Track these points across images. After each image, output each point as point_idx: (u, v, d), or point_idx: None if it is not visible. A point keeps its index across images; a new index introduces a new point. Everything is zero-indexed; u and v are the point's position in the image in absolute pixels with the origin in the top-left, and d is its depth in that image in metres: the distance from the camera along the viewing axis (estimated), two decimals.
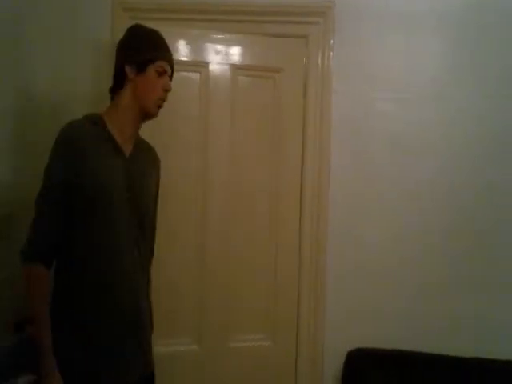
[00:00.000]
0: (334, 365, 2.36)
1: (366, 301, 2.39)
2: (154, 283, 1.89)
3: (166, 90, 1.76)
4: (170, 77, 1.80)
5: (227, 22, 2.32)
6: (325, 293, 2.38)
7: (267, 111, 2.38)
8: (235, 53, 2.34)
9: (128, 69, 1.72)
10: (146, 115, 1.77)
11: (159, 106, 1.77)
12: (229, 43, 2.32)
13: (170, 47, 1.81)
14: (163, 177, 1.93)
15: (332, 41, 2.37)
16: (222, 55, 2.32)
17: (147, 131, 1.89)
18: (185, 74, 2.25)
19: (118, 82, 1.75)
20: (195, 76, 2.30)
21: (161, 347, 2.07)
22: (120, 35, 1.81)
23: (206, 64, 2.31)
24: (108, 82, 1.79)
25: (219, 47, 2.32)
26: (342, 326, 2.37)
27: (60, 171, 1.62)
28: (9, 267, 2.06)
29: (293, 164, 2.40)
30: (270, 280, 2.39)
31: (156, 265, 1.92)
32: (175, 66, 1.84)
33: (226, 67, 2.32)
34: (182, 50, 2.28)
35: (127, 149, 1.74)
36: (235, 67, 2.33)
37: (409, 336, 2.35)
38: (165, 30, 1.83)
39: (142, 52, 1.73)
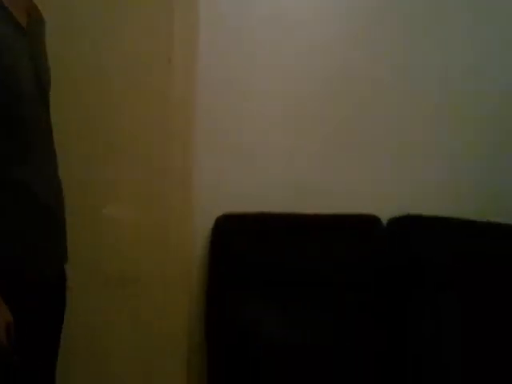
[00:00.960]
0: (204, 233, 2.32)
1: (235, 168, 2.36)
2: None
3: None
4: None
5: None
6: (194, 161, 2.29)
7: None
8: None
9: None
10: None
11: None
12: None
13: None
14: None
15: None
16: None
17: None
18: None
19: None
20: None
21: None
22: None
23: None
24: None
25: None
26: (211, 194, 2.32)
27: None
28: None
29: None
30: (137, 144, 2.23)
31: None
32: None
33: None
34: None
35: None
36: None
37: (277, 199, 2.38)
38: None
39: None
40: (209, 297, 2.27)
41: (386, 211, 2.42)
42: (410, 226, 2.35)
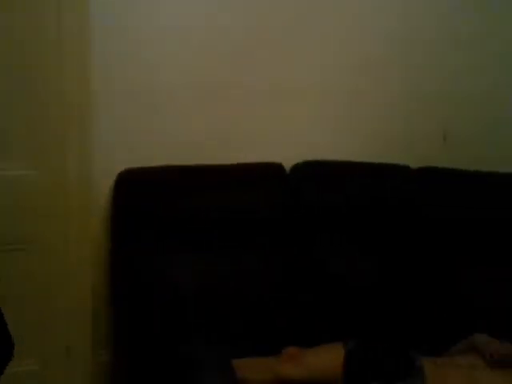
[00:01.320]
0: (105, 190, 2.28)
1: (136, 121, 2.30)
2: None
3: None
4: None
5: None
6: (91, 115, 2.20)
7: None
8: None
9: None
10: None
11: None
12: None
13: None
14: None
15: None
16: None
17: None
18: None
19: None
20: None
21: None
22: None
23: None
24: None
25: None
26: (111, 150, 2.27)
27: None
28: None
29: None
30: (28, 100, 2.11)
31: None
32: None
33: None
34: None
35: None
36: None
37: (176, 152, 2.34)
38: None
39: None
40: (113, 251, 2.25)
41: (292, 159, 2.44)
42: (309, 172, 2.39)
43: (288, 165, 2.42)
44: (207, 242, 2.23)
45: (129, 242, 2.19)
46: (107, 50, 2.20)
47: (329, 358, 1.97)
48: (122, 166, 2.25)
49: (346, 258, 2.33)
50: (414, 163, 2.51)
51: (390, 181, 2.42)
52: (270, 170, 2.39)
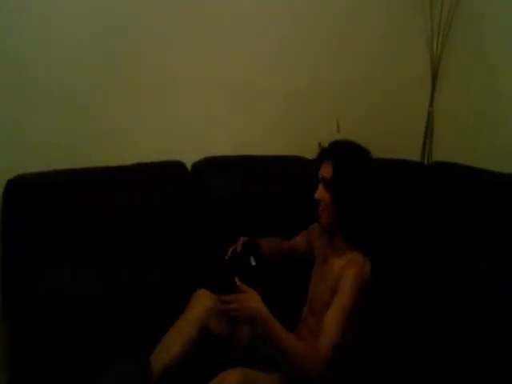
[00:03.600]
0: None
1: (23, 127, 2.19)
2: None
3: None
4: None
5: None
6: None
7: None
8: None
9: None
10: None
11: None
12: None
13: None
14: None
15: None
16: None
17: None
18: None
19: None
20: None
21: None
22: None
23: None
24: None
25: None
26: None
27: None
28: None
29: None
30: None
31: None
32: None
33: None
34: None
35: None
36: None
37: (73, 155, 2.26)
38: None
39: None
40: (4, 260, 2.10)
41: (193, 157, 2.41)
42: (208, 169, 2.38)
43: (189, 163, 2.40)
44: (105, 246, 2.15)
45: (18, 250, 2.06)
46: None
47: None
48: (10, 173, 2.10)
49: None
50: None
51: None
52: (172, 169, 2.35)
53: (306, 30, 2.65)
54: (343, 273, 1.89)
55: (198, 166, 2.39)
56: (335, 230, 2.01)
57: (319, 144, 2.08)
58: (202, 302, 1.99)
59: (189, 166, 2.39)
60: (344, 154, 1.98)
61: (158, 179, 2.31)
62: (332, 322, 1.80)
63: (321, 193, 1.96)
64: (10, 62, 2.13)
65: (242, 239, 2.07)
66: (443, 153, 2.75)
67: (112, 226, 2.19)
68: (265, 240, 2.15)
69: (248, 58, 2.57)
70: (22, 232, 2.08)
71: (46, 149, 2.23)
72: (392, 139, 2.78)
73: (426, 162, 2.83)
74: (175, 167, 2.36)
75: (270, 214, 2.39)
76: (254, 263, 2.01)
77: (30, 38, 2.13)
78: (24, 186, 2.13)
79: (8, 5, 2.08)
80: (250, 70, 2.57)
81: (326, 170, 1.96)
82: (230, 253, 2.04)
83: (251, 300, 1.78)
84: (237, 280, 1.80)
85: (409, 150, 2.74)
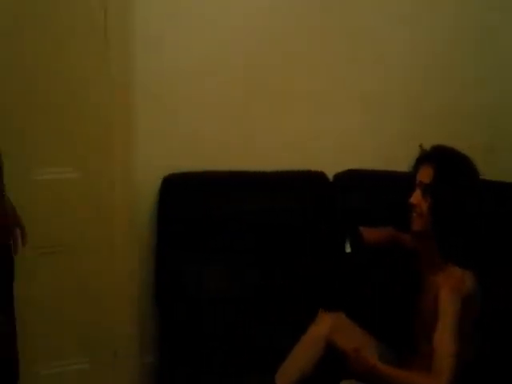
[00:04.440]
0: (150, 193, 2.30)
1: (179, 128, 2.33)
2: None
3: None
4: None
5: None
6: (137, 120, 2.24)
7: None
8: None
9: None
10: None
11: None
12: None
13: None
14: None
15: None
16: None
17: None
18: None
19: None
20: None
21: None
22: None
23: None
24: None
25: None
26: (156, 154, 2.28)
27: None
28: None
29: None
30: (75, 106, 2.14)
31: None
32: None
33: None
34: None
35: None
36: None
37: (218, 158, 2.37)
38: None
39: None
40: (158, 259, 2.26)
41: (333, 167, 2.43)
42: (352, 181, 2.39)
43: (331, 173, 2.42)
44: (243, 248, 2.24)
45: (171, 244, 2.21)
46: (149, 58, 2.22)
47: None
48: (164, 170, 2.27)
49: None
50: None
51: None
52: (313, 178, 2.39)
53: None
54: (441, 292, 1.80)
55: (340, 177, 2.41)
56: (428, 241, 1.90)
57: (420, 146, 1.95)
58: (326, 319, 1.99)
59: (331, 176, 2.42)
60: (448, 159, 1.86)
61: (300, 187, 2.36)
62: (442, 343, 1.72)
63: (417, 198, 1.85)
64: (182, 74, 2.29)
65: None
66: None
67: (250, 228, 2.27)
68: (370, 228, 2.12)
69: (397, 70, 2.56)
70: (171, 226, 2.24)
71: (199, 149, 2.36)
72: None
73: None
74: (317, 177, 2.40)
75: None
76: (348, 250, 2.00)
77: (196, 53, 2.30)
78: (176, 183, 2.28)
79: (180, 26, 2.26)
80: (395, 81, 2.55)
81: (425, 175, 1.84)
82: None
83: (360, 364, 1.78)
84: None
85: None
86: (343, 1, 2.45)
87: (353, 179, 2.42)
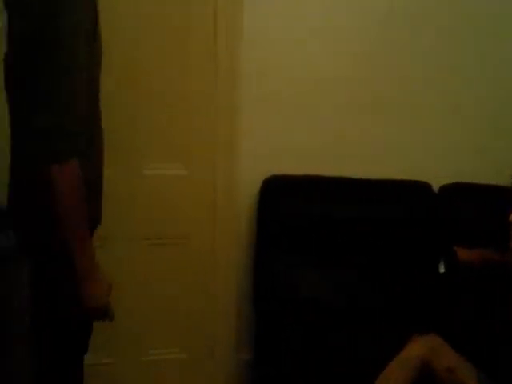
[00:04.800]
0: (250, 193, 2.33)
1: (281, 130, 2.34)
2: None
3: None
4: None
5: None
6: (240, 122, 2.28)
7: None
8: None
9: None
10: None
11: None
12: None
13: None
14: None
15: None
16: None
17: None
18: None
19: None
20: None
21: None
22: None
23: None
24: None
25: None
26: (257, 155, 2.32)
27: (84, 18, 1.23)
28: None
29: None
30: (185, 106, 2.24)
31: None
32: None
33: None
34: None
35: None
36: None
37: (318, 163, 2.37)
38: None
39: None
40: (257, 259, 2.29)
41: (438, 178, 2.36)
42: (456, 193, 2.31)
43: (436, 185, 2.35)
44: (342, 253, 2.22)
45: (270, 246, 2.23)
46: (254, 60, 2.25)
47: None
48: (265, 172, 2.29)
49: None
50: None
51: None
52: (419, 189, 2.33)
53: None
54: None
55: (446, 188, 2.33)
56: None
57: None
58: (422, 340, 1.92)
59: (436, 188, 2.35)
60: None
61: (403, 196, 2.31)
62: None
63: None
64: (286, 79, 2.30)
65: None
66: None
67: (350, 234, 2.25)
68: (465, 248, 2.07)
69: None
70: (270, 228, 2.25)
71: (300, 153, 2.37)
72: None
73: None
74: (423, 187, 2.33)
75: None
76: (442, 270, 1.97)
77: (303, 58, 2.31)
78: (277, 185, 2.30)
79: (285, 26, 2.28)
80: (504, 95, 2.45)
81: None
82: None
83: None
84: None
85: None
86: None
87: (459, 192, 2.33)
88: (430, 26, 2.37)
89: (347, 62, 2.34)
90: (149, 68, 2.17)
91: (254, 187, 2.31)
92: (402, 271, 2.24)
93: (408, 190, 2.32)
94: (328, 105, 2.36)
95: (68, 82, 1.20)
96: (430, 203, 2.30)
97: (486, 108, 2.46)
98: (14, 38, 1.29)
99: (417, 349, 1.88)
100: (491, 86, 2.45)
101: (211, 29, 2.19)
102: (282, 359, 1.88)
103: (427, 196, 2.32)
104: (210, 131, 2.26)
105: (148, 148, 2.22)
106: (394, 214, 2.27)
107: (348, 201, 2.28)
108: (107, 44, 1.43)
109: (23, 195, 1.36)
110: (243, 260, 2.35)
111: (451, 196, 2.32)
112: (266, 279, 2.14)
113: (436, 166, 2.43)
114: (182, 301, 2.34)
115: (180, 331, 2.36)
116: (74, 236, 1.27)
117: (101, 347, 1.95)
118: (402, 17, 2.34)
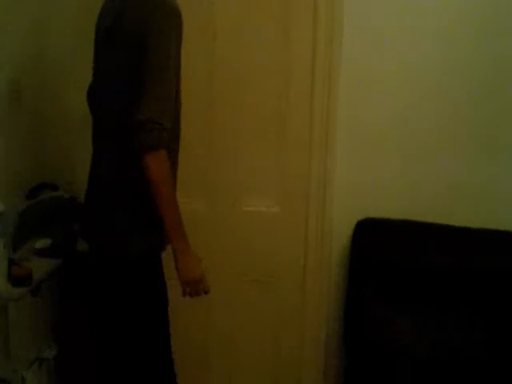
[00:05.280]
0: (343, 234, 2.32)
1: (376, 171, 2.31)
2: None
3: None
4: None
5: None
6: (335, 161, 2.30)
7: None
8: None
9: None
10: None
11: None
12: None
13: None
14: None
15: None
16: None
17: None
18: None
19: None
20: None
21: None
22: None
23: None
24: None
25: None
26: (351, 196, 2.32)
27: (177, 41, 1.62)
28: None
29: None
30: (281, 145, 2.31)
31: None
32: None
33: None
34: None
35: None
36: None
37: (416, 206, 2.29)
38: None
39: None
40: (348, 302, 2.26)
41: None
42: None
43: None
44: (436, 302, 2.15)
45: (362, 288, 2.20)
46: (352, 96, 2.25)
47: None
48: (359, 212, 2.27)
49: None
50: None
51: None
52: None
53: None
54: None
55: None
56: None
57: None
58: None
59: None
60: None
61: (503, 248, 2.20)
62: None
63: None
64: (385, 117, 2.27)
65: None
66: None
67: (446, 283, 2.17)
68: None
69: None
70: (363, 270, 2.21)
71: (397, 197, 2.31)
72: None
73: None
74: None
75: None
76: None
77: (405, 99, 2.26)
78: (371, 228, 2.26)
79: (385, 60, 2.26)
80: None
81: None
82: None
83: None
84: None
85: None
86: None
87: None
88: None
89: (469, 99, 2.23)
90: (251, 106, 2.29)
91: (347, 228, 2.29)
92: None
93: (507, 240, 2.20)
94: (436, 143, 2.26)
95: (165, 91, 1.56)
96: None
97: None
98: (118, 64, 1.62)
99: None
100: None
101: (308, 73, 2.25)
102: None
103: None
104: (304, 169, 2.30)
105: (245, 184, 2.32)
106: (501, 264, 2.16)
107: (446, 249, 2.20)
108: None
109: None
110: (332, 303, 2.33)
111: None
112: (356, 322, 2.12)
113: None
114: (270, 340, 2.37)
115: (266, 369, 2.38)
116: (171, 219, 1.56)
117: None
118: None
